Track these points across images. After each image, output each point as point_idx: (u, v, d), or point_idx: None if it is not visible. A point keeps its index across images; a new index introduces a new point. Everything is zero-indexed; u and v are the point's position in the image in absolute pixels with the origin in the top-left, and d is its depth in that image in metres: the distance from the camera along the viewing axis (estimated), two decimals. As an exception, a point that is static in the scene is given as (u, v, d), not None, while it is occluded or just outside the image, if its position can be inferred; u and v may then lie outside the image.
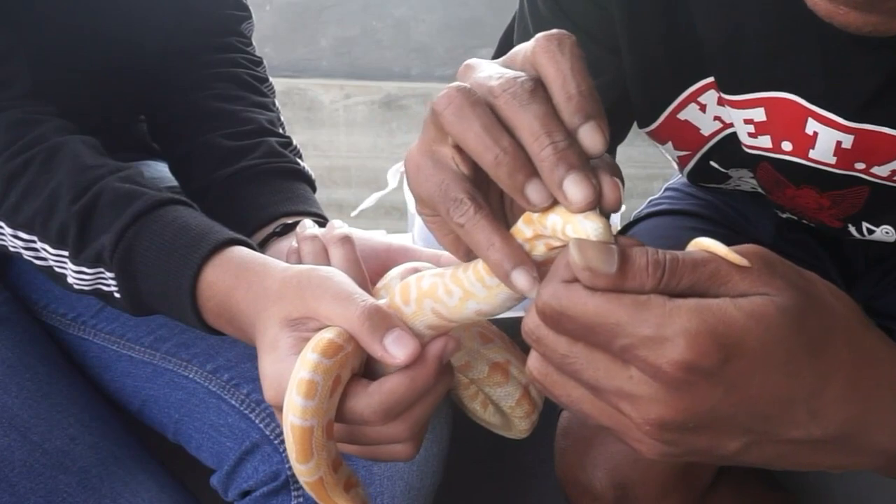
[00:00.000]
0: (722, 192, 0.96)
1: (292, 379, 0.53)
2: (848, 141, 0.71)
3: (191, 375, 0.82)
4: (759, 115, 0.74)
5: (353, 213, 1.34)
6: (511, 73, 0.48)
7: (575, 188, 0.45)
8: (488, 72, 0.49)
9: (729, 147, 0.80)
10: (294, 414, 0.53)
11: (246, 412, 0.79)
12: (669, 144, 0.85)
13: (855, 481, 1.28)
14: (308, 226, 0.75)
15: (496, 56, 0.81)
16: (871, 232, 0.84)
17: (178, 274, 0.65)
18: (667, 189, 1.13)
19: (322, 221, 0.83)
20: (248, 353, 0.80)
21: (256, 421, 0.79)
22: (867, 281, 1.01)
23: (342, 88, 2.53)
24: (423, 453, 0.80)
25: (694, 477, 0.89)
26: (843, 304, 0.48)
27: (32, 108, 0.74)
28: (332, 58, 2.53)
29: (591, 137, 0.46)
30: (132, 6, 0.87)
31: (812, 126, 0.72)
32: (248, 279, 0.63)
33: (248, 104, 0.92)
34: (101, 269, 0.68)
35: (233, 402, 0.80)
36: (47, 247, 0.70)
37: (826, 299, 0.48)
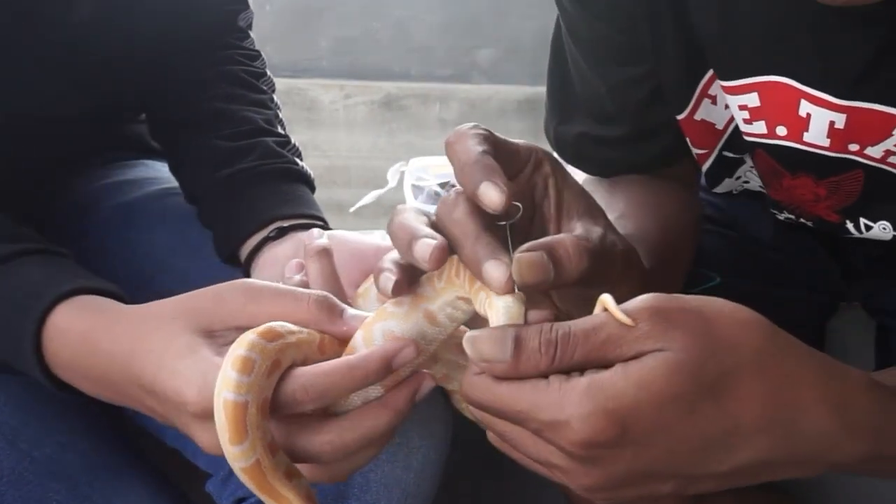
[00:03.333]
0: (729, 195, 0.96)
1: (227, 357, 0.50)
2: (841, 121, 0.72)
3: (189, 379, 0.81)
4: (752, 100, 0.75)
5: (352, 210, 1.33)
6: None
7: (490, 271, 0.50)
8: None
9: (739, 136, 0.81)
10: (228, 388, 0.49)
11: (242, 417, 0.79)
12: (688, 141, 0.85)
13: (855, 483, 1.28)
14: (316, 235, 0.72)
15: (552, 59, 0.87)
16: (868, 228, 0.83)
17: (19, 325, 0.61)
18: None
19: (321, 224, 0.82)
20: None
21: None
22: (867, 279, 1.01)
23: (342, 88, 2.52)
24: (422, 459, 0.79)
25: None
26: (752, 335, 0.49)
27: None
28: (332, 58, 2.53)
29: (486, 196, 0.51)
30: None
31: (805, 108, 0.73)
32: (115, 313, 0.59)
33: (246, 103, 0.91)
34: None
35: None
36: None
37: (729, 338, 0.49)
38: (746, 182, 0.90)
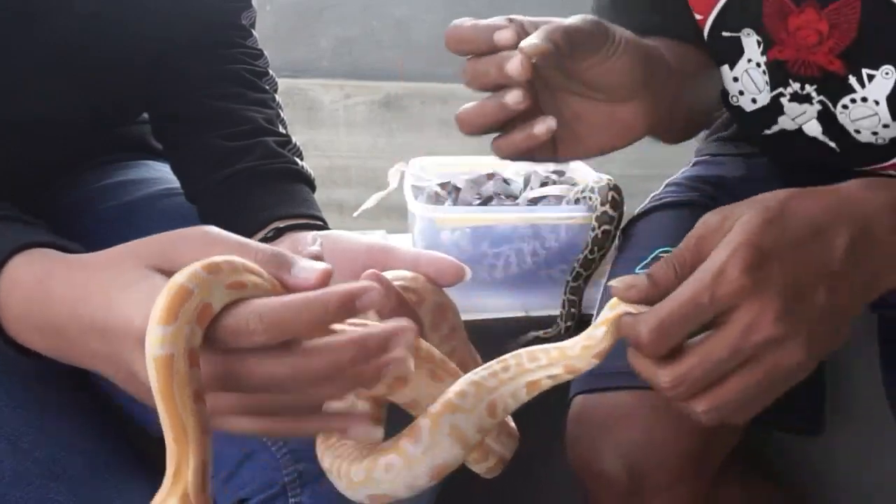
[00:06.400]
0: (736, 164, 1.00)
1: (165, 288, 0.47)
2: None
3: (190, 379, 0.81)
4: None
5: (356, 214, 1.33)
6: None
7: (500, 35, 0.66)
8: None
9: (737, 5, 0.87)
10: (168, 285, 0.47)
11: (244, 418, 0.79)
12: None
13: (859, 482, 1.28)
14: (309, 242, 0.71)
15: None
16: (871, 78, 0.84)
17: None
18: (667, 185, 1.14)
19: (320, 224, 0.82)
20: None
21: (254, 427, 0.78)
22: None
23: (342, 88, 2.52)
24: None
25: (704, 465, 0.89)
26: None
27: None
28: (332, 58, 2.53)
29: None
30: None
31: None
32: (71, 261, 0.58)
33: (247, 102, 0.91)
34: None
35: (231, 408, 0.79)
36: None
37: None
38: (742, 94, 0.93)
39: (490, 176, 1.29)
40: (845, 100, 0.88)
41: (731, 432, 0.93)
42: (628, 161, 2.19)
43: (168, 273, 0.51)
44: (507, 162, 1.43)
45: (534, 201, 1.25)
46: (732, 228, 0.57)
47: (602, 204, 1.14)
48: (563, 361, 0.57)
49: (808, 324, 0.57)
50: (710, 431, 0.86)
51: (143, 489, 0.79)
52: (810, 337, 0.57)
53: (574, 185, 1.26)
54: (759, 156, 1.10)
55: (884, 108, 0.86)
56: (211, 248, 0.52)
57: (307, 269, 0.52)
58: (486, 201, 1.26)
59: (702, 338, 0.57)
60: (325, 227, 0.82)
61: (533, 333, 1.14)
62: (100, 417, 0.82)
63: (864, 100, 0.87)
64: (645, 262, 0.99)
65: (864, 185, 0.62)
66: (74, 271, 0.58)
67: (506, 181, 1.29)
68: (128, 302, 0.52)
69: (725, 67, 0.94)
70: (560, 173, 1.31)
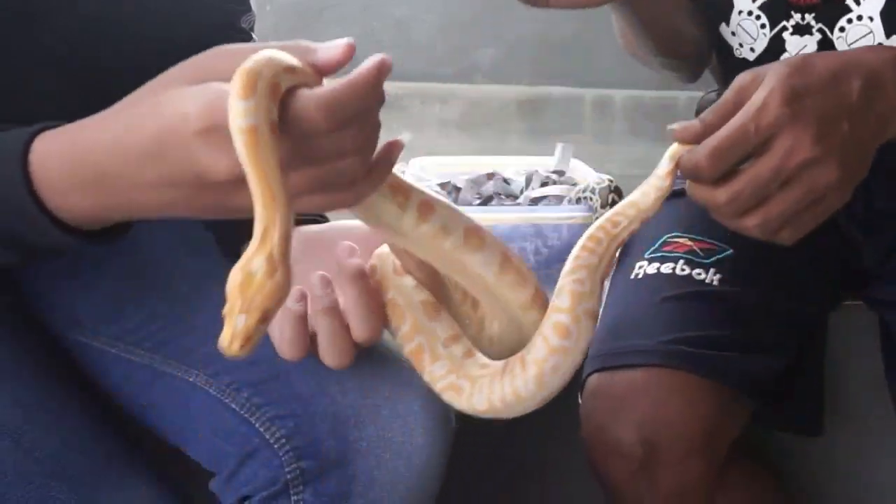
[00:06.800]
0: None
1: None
2: None
3: (191, 379, 0.81)
4: None
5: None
6: None
7: None
8: None
9: None
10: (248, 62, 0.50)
11: (246, 416, 0.79)
12: None
13: (858, 482, 1.28)
14: (348, 253, 0.69)
15: None
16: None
17: (5, 173, 0.58)
18: None
19: (321, 219, 0.82)
20: (249, 358, 0.80)
21: (257, 425, 0.78)
22: (886, 227, 1.05)
23: (342, 88, 2.52)
24: (424, 458, 0.80)
25: (716, 441, 0.91)
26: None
27: None
28: (332, 58, 2.53)
29: None
30: None
31: None
32: (98, 115, 0.58)
33: None
34: None
35: (233, 407, 0.80)
36: None
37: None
38: (742, 46, 0.99)
39: (490, 176, 1.29)
40: (842, 22, 0.92)
41: (739, 415, 0.94)
42: (628, 161, 2.19)
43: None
44: (507, 162, 1.44)
45: (534, 201, 1.26)
46: (765, 77, 0.68)
47: (603, 206, 1.14)
48: (639, 216, 0.70)
49: (839, 149, 0.68)
50: (721, 411, 0.90)
51: (145, 488, 0.79)
52: (841, 160, 0.68)
53: (574, 185, 1.27)
54: None
55: (878, 25, 0.90)
56: (237, 55, 0.53)
57: (330, 47, 0.55)
58: (486, 201, 1.26)
59: (749, 163, 0.68)
60: (325, 220, 0.83)
61: None
62: (101, 417, 0.82)
63: (860, 18, 0.90)
64: (653, 247, 1.00)
65: (868, 48, 0.75)
66: (108, 115, 0.57)
67: (506, 181, 1.29)
68: (177, 104, 0.53)
69: (723, 25, 1.01)
70: (560, 173, 1.31)
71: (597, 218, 1.14)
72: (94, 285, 0.86)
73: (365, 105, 0.53)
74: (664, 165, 0.71)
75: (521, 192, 1.28)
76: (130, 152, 0.55)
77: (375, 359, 0.80)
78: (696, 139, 0.69)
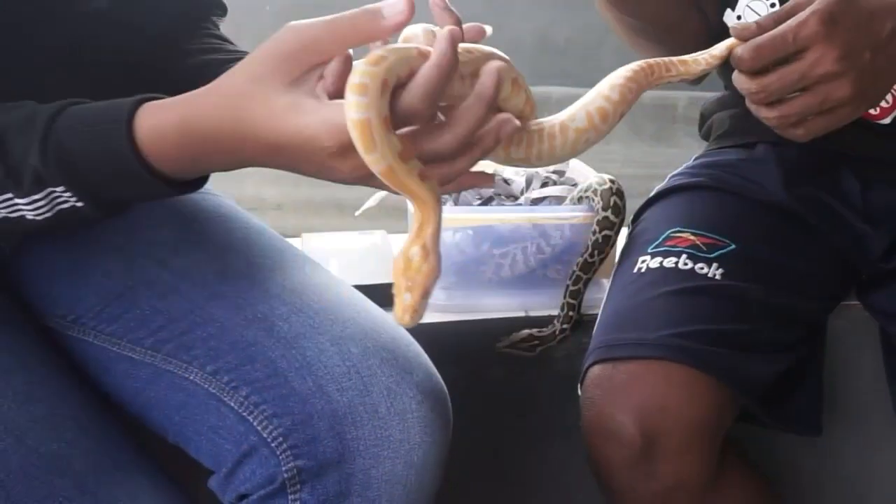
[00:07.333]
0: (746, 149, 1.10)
1: (346, 86, 0.59)
2: None
3: (191, 377, 0.81)
4: None
5: (357, 213, 1.33)
6: None
7: None
8: None
9: None
10: (351, 110, 0.59)
11: (244, 415, 0.79)
12: None
13: (858, 483, 1.28)
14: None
15: None
16: None
17: (112, 135, 0.66)
18: (672, 176, 1.15)
19: None
20: (248, 356, 0.80)
21: (255, 424, 0.79)
22: (887, 219, 1.07)
23: (342, 88, 2.52)
24: (423, 456, 0.80)
25: (713, 435, 0.93)
26: None
27: None
28: (332, 58, 2.53)
29: None
30: None
31: None
32: (196, 95, 0.66)
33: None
34: (50, 189, 0.68)
35: (232, 405, 0.80)
36: None
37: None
38: None
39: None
40: None
41: (732, 409, 0.95)
42: (628, 161, 2.19)
43: (300, 81, 0.63)
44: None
45: (535, 202, 1.26)
46: (816, 0, 0.80)
47: (604, 209, 1.14)
48: (681, 74, 0.82)
49: (857, 71, 0.80)
50: (719, 405, 0.92)
51: (148, 485, 0.79)
52: (857, 81, 0.80)
53: (574, 185, 1.26)
54: (756, 144, 1.13)
55: None
56: (314, 40, 0.64)
57: (391, 6, 0.63)
58: (486, 202, 1.26)
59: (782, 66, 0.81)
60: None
61: (526, 331, 1.14)
62: (104, 415, 0.82)
63: None
64: (656, 242, 1.01)
65: None
66: (210, 101, 0.66)
67: (506, 181, 1.29)
68: (305, 128, 0.62)
69: (728, 11, 1.04)
70: (560, 173, 1.31)
71: (598, 219, 1.14)
72: (94, 282, 0.86)
73: (450, 78, 0.62)
74: (720, 48, 0.84)
75: (522, 192, 1.28)
76: (247, 157, 0.67)
77: (373, 357, 0.80)
78: (749, 36, 0.81)
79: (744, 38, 0.81)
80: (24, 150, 0.67)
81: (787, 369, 0.97)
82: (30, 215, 0.70)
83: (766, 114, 0.83)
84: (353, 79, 0.59)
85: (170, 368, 0.82)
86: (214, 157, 0.67)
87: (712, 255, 0.99)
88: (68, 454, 0.76)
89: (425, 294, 0.62)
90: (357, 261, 1.26)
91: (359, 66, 0.60)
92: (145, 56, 0.90)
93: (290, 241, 0.96)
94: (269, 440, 0.78)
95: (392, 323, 0.86)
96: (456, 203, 1.26)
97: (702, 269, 0.98)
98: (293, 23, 0.65)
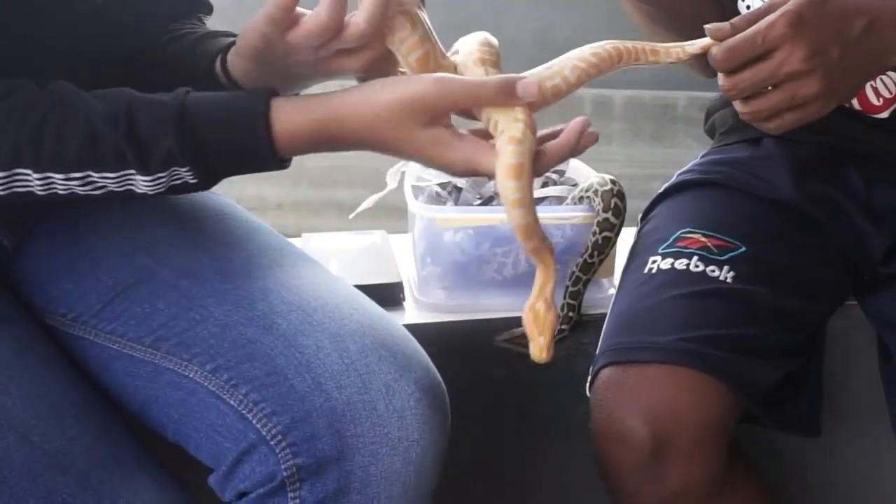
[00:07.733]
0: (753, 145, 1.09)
1: (500, 167, 0.73)
2: None
3: (191, 375, 0.82)
4: None
5: (352, 216, 1.33)
6: None
7: None
8: None
9: None
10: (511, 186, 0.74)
11: (244, 413, 0.79)
12: None
13: (858, 484, 1.28)
14: None
15: None
16: None
17: (250, 132, 0.73)
18: (680, 174, 1.15)
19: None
20: (247, 354, 0.80)
21: (254, 422, 0.79)
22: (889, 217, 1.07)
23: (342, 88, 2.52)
24: (421, 452, 0.80)
25: (721, 439, 0.93)
26: None
27: None
28: (332, 58, 2.53)
29: None
30: None
31: None
32: (338, 103, 0.73)
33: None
34: (174, 168, 0.73)
35: (231, 403, 0.80)
36: (107, 174, 0.73)
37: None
38: None
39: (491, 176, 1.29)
40: None
41: (737, 412, 0.95)
42: (628, 161, 2.19)
43: (434, 119, 0.73)
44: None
45: (535, 202, 1.26)
46: (787, 2, 0.82)
47: (605, 210, 1.14)
48: (657, 62, 0.85)
49: (825, 68, 0.82)
50: (728, 409, 0.93)
51: (149, 482, 0.79)
52: (824, 78, 0.82)
53: (575, 185, 1.26)
54: (761, 139, 1.13)
55: None
56: (454, 104, 0.73)
57: (524, 88, 0.74)
58: (487, 201, 1.26)
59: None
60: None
61: (520, 329, 1.14)
62: (105, 412, 0.83)
63: None
64: (666, 243, 1.01)
65: None
66: (346, 126, 0.73)
67: (506, 181, 1.29)
68: (447, 159, 0.74)
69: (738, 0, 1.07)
70: (560, 173, 1.31)
71: (598, 220, 1.14)
72: (94, 280, 0.86)
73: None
74: (694, 46, 0.86)
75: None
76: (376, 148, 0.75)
77: (371, 354, 0.80)
78: (723, 37, 0.83)
79: (719, 39, 0.84)
80: (157, 134, 0.72)
81: (789, 372, 0.97)
82: (140, 189, 0.74)
83: (741, 108, 0.86)
84: (509, 159, 0.72)
85: (169, 366, 0.83)
86: (337, 150, 0.76)
87: (723, 258, 0.99)
88: (71, 451, 0.76)
89: (552, 336, 0.78)
90: (357, 260, 1.26)
91: (510, 147, 0.72)
92: (136, 52, 0.91)
93: (290, 240, 0.96)
94: (268, 438, 0.78)
95: (390, 320, 0.86)
96: (456, 203, 1.26)
97: (713, 271, 0.98)
98: (441, 76, 0.73)
